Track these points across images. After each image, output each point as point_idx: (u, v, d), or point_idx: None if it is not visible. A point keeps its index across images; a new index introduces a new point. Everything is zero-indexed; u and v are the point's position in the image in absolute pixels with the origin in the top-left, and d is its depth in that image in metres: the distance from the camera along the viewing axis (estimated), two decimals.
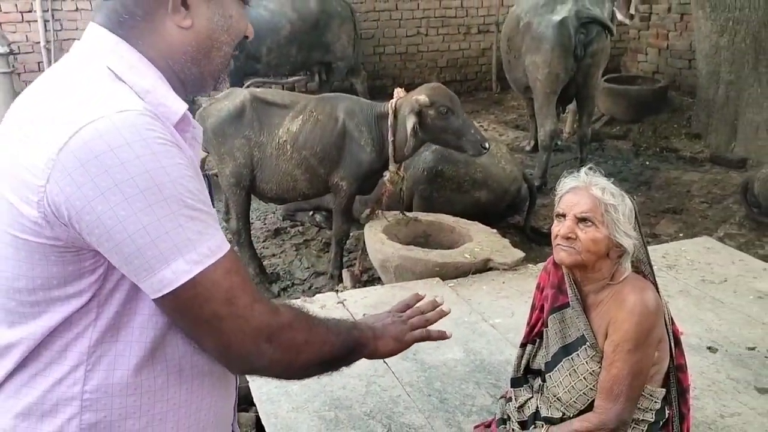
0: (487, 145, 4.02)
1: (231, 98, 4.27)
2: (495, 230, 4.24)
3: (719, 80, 6.83)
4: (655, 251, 4.12)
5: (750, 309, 3.41)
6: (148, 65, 1.07)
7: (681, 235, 5.07)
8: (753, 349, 3.07)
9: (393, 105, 4.03)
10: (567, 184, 1.95)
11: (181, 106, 1.08)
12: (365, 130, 4.11)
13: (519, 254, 3.91)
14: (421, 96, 3.93)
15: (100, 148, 0.94)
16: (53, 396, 1.04)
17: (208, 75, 1.16)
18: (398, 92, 4.12)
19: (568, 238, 1.85)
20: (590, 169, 1.96)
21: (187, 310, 1.01)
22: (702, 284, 3.68)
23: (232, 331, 1.02)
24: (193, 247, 0.98)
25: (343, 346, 1.20)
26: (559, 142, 7.05)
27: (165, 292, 0.98)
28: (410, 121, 3.87)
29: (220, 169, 4.33)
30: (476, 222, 4.32)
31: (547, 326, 2.01)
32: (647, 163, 6.77)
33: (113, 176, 0.94)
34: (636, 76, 8.43)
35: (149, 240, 0.96)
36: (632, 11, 7.41)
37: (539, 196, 5.36)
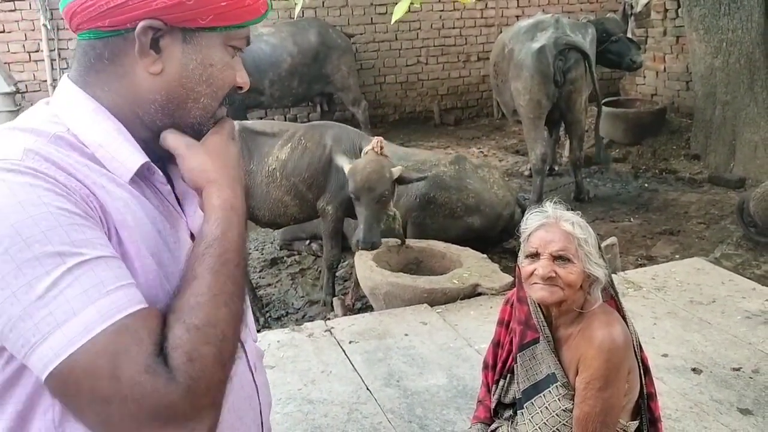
0: None
1: None
2: (485, 255, 4.26)
3: (716, 101, 6.85)
4: (645, 273, 4.12)
5: (737, 329, 3.39)
6: (106, 116, 0.98)
7: (677, 256, 5.04)
8: (738, 369, 3.05)
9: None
10: (534, 220, 1.93)
11: (135, 161, 0.97)
12: (351, 158, 4.18)
13: (507, 279, 3.92)
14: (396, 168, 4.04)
15: None
16: None
17: (186, 127, 1.02)
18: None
19: (549, 278, 1.84)
20: (555, 203, 1.97)
21: (73, 393, 0.82)
22: (690, 305, 3.66)
23: (122, 420, 0.81)
24: (74, 313, 0.80)
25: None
26: (556, 167, 7.08)
27: (47, 372, 0.80)
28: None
29: None
30: (467, 248, 4.35)
31: (516, 362, 2.00)
32: (646, 185, 6.77)
33: None
34: (635, 99, 8.48)
35: (20, 309, 0.80)
36: (629, 35, 7.50)
37: None
